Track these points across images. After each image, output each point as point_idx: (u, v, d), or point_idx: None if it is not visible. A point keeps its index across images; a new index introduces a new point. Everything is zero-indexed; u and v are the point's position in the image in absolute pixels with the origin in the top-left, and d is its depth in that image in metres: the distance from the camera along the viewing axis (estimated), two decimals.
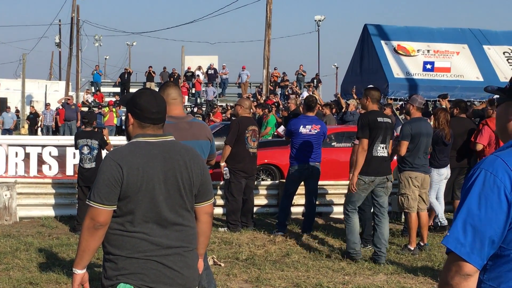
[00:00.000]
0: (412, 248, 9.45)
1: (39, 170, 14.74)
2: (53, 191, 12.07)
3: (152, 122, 3.77)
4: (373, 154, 8.79)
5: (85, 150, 10.79)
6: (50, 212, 11.98)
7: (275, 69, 41.02)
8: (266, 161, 14.39)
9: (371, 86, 9.82)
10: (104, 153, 11.35)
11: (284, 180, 11.41)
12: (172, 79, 41.63)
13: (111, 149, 10.82)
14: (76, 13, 47.25)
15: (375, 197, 9.00)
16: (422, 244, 9.69)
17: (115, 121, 30.59)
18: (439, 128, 10.53)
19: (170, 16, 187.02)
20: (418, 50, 20.27)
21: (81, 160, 10.91)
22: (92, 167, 10.70)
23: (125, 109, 3.93)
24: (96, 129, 11.29)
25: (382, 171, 8.86)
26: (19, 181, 12.04)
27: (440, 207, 10.88)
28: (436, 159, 10.61)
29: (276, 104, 28.12)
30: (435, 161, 10.61)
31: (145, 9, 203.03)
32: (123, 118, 21.02)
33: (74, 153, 14.16)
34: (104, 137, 11.02)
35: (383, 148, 8.88)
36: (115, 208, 3.59)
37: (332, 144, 14.79)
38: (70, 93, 43.77)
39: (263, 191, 12.65)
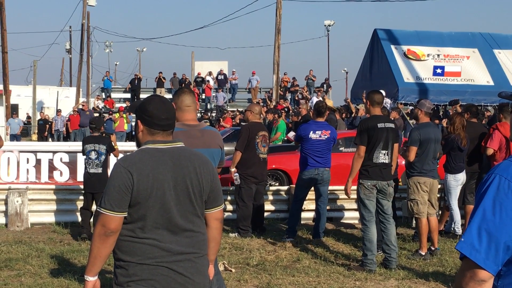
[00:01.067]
0: (423, 253, 9.42)
1: (50, 176, 14.79)
2: (64, 197, 12.09)
3: (161, 128, 3.78)
4: (373, 161, 8.72)
5: (93, 155, 10.68)
6: (61, 218, 11.99)
7: (285, 74, 41.08)
8: (274, 166, 14.38)
9: (373, 89, 9.71)
10: (112, 159, 11.35)
11: (294, 186, 11.38)
12: (183, 84, 41.72)
13: (119, 154, 10.81)
14: (86, 20, 47.44)
15: (378, 204, 8.94)
16: (433, 248, 9.66)
17: (126, 127, 30.69)
18: (454, 134, 10.48)
19: (180, 22, 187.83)
20: (428, 55, 20.21)
21: (86, 165, 10.80)
22: (97, 172, 10.64)
23: (135, 116, 3.94)
24: (104, 135, 11.23)
25: (383, 176, 8.81)
26: (30, 187, 12.07)
27: (458, 215, 10.84)
28: (452, 164, 10.56)
29: (286, 109, 28.13)
30: (451, 167, 10.56)
31: (155, 15, 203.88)
32: (134, 124, 21.10)
33: None
34: (112, 142, 10.92)
35: (384, 154, 8.80)
36: (126, 215, 3.60)
37: (340, 149, 14.76)
38: (81, 99, 43.93)
39: (273, 197, 12.63)
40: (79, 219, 11.70)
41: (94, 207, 10.55)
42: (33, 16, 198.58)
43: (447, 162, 10.62)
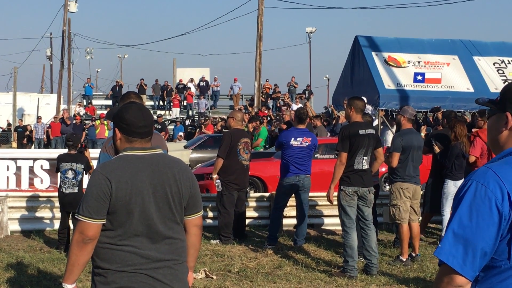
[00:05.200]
0: (404, 259, 9.44)
1: (31, 184, 14.68)
2: (45, 204, 12.02)
3: (139, 136, 3.77)
4: (354, 167, 8.74)
5: (70, 174, 10.15)
6: (42, 226, 11.93)
7: (266, 81, 41.11)
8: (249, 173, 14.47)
9: (355, 96, 9.66)
10: (86, 178, 10.96)
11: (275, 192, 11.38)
12: (165, 91, 41.74)
13: None
14: (67, 26, 47.22)
15: (359, 210, 8.94)
16: (414, 255, 9.68)
17: (107, 133, 30.59)
18: (458, 142, 10.53)
19: (162, 29, 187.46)
20: (409, 62, 20.26)
21: (61, 184, 10.26)
22: (73, 192, 10.12)
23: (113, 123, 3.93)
24: (77, 150, 10.63)
25: (364, 183, 8.83)
26: (10, 195, 11.99)
27: None
28: (454, 171, 10.55)
29: (268, 116, 28.16)
30: (453, 174, 10.55)
31: (136, 22, 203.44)
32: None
33: None
34: (89, 160, 10.35)
35: (365, 160, 8.83)
36: (104, 222, 3.58)
37: (315, 155, 14.93)
38: (62, 106, 43.74)
39: (255, 203, 12.62)
40: (59, 226, 11.63)
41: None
42: (14, 22, 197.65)
43: (449, 169, 10.61)
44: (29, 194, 12.49)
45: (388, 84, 19.43)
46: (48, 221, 12.01)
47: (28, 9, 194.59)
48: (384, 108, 18.93)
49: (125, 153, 3.73)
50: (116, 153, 3.84)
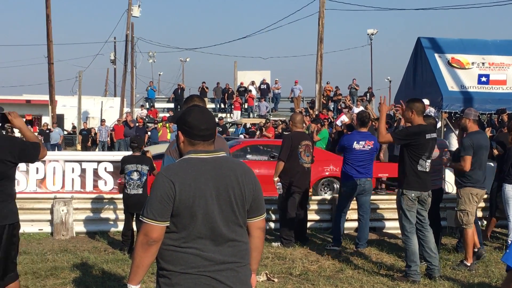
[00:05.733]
0: (469, 264, 9.28)
1: (95, 186, 14.93)
2: (109, 206, 12.21)
3: (202, 139, 3.79)
4: (418, 169, 8.57)
5: (135, 175, 10.31)
6: (106, 227, 12.12)
7: (327, 83, 40.95)
8: None
9: (413, 98, 9.24)
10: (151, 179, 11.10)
11: (337, 195, 11.33)
12: (226, 94, 41.97)
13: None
14: (130, 31, 47.98)
15: (417, 214, 8.79)
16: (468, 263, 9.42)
17: (169, 136, 30.93)
18: None
19: (223, 32, 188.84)
20: (472, 63, 19.94)
21: (127, 185, 10.46)
22: (138, 193, 10.27)
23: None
24: (142, 152, 10.65)
25: (427, 186, 8.67)
26: (75, 197, 12.21)
27: None
28: (511, 175, 10.32)
29: (328, 119, 28.06)
30: (510, 178, 10.31)
31: (198, 25, 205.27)
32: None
33: None
34: (152, 161, 10.51)
35: (428, 163, 8.62)
36: (168, 224, 3.61)
37: (247, 156, 14.69)
38: (125, 109, 44.40)
39: (316, 206, 12.59)
40: (123, 228, 11.79)
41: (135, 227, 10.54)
42: (79, 27, 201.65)
43: (505, 172, 10.39)
44: (93, 196, 12.71)
45: (451, 86, 19.15)
46: (112, 223, 12.20)
47: (93, 15, 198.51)
48: (447, 111, 18.65)
49: (189, 156, 3.76)
50: (180, 156, 3.87)
